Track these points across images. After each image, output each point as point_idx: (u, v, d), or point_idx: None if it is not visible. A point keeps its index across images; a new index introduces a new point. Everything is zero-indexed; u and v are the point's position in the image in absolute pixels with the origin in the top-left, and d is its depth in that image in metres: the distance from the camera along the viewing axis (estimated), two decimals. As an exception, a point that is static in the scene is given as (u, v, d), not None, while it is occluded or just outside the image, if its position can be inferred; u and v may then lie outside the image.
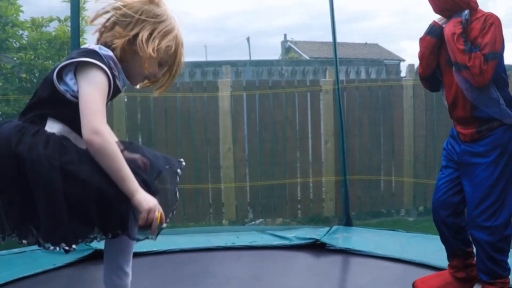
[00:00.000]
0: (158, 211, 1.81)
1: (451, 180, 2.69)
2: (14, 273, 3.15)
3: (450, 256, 2.80)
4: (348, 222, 4.51)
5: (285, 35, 23.25)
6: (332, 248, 3.74)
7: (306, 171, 5.89)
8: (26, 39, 5.09)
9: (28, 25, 5.25)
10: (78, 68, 1.82)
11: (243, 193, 5.80)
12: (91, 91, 1.78)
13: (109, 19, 1.94)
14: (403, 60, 19.26)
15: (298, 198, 5.94)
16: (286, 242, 3.89)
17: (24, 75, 4.99)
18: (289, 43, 22.65)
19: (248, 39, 19.94)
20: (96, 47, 1.88)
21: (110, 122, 5.31)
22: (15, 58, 4.99)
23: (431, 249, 3.56)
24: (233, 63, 10.37)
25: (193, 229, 4.80)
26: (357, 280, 3.18)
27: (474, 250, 2.69)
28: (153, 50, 1.90)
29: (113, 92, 1.91)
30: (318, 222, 5.96)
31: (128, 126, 5.50)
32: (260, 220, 5.97)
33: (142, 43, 1.89)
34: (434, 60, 2.66)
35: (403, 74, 11.61)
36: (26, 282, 3.09)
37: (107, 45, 1.91)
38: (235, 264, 3.52)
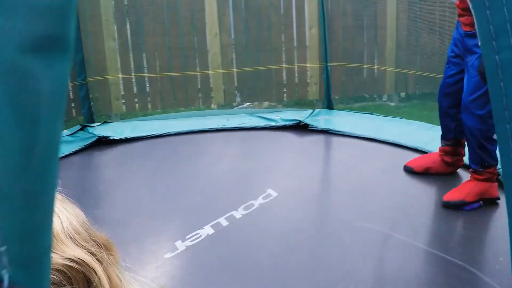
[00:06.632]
0: None
1: (457, 73, 2.82)
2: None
3: (443, 141, 3.04)
4: (329, 106, 4.85)
5: None
6: (314, 128, 4.10)
7: (291, 57, 6.10)
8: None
9: None
10: None
11: (230, 78, 6.04)
12: None
13: None
14: None
15: (284, 82, 6.20)
16: (272, 124, 4.23)
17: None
18: None
19: None
20: None
21: (97, 10, 5.42)
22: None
23: (404, 131, 3.93)
24: None
25: (186, 113, 5.09)
26: (335, 156, 3.58)
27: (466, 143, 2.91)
28: None
29: None
30: (303, 105, 6.25)
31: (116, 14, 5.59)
32: (248, 103, 6.26)
33: None
34: None
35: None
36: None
37: None
38: (226, 144, 3.89)
